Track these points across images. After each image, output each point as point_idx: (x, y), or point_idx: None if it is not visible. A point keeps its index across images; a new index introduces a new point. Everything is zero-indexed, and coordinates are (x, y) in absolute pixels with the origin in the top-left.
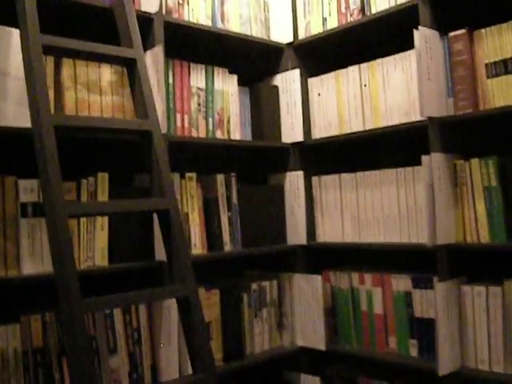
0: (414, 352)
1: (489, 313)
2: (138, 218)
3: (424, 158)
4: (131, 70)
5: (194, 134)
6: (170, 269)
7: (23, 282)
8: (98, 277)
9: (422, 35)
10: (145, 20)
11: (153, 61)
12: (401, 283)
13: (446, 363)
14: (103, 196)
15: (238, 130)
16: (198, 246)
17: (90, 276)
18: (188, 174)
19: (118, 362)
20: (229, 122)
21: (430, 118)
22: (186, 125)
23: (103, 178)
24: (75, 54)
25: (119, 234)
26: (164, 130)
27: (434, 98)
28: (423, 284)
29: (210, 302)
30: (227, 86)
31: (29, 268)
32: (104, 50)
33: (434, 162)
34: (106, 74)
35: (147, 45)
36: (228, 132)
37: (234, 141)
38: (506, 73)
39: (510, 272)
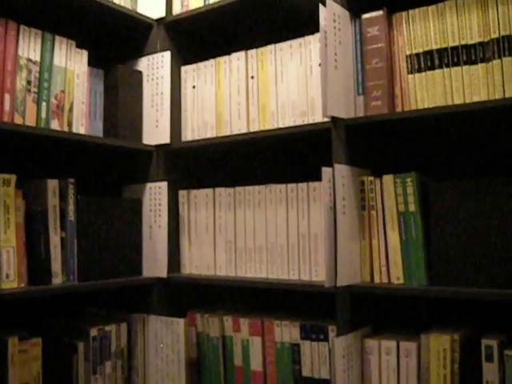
0: None
1: (400, 375)
2: None
3: (324, 171)
4: None
5: (18, 120)
6: None
7: None
8: None
9: (330, 12)
10: None
11: None
12: (286, 332)
13: None
14: None
15: (83, 123)
16: (11, 277)
17: None
18: (3, 176)
19: None
20: (71, 110)
21: (333, 120)
22: (7, 107)
23: None
24: None
25: None
26: None
27: (340, 94)
28: (315, 335)
29: (28, 357)
30: (73, 63)
31: None
32: None
33: (338, 176)
34: None
35: None
36: (69, 124)
37: (77, 136)
38: (432, 68)
39: (428, 323)
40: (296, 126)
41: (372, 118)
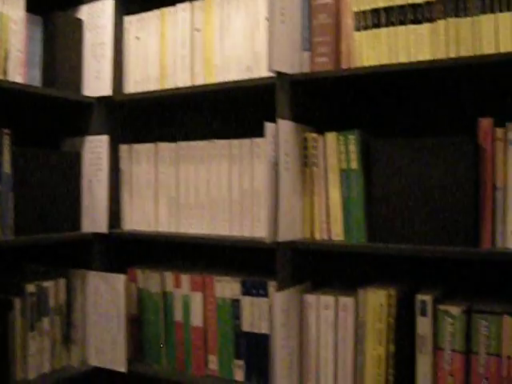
0: (239, 376)
1: (337, 329)
2: None
3: (268, 126)
4: None
5: None
6: None
7: None
8: None
9: None
10: None
11: None
12: (227, 288)
13: None
14: None
15: (20, 72)
16: None
17: None
18: None
19: None
20: (6, 58)
21: (279, 75)
22: None
23: None
24: None
25: None
26: None
27: (286, 49)
28: (256, 290)
29: None
30: (9, 8)
31: None
32: None
33: (281, 131)
34: None
35: None
36: (4, 72)
37: (14, 84)
38: (378, 25)
39: (368, 279)
40: (240, 81)
41: (317, 75)
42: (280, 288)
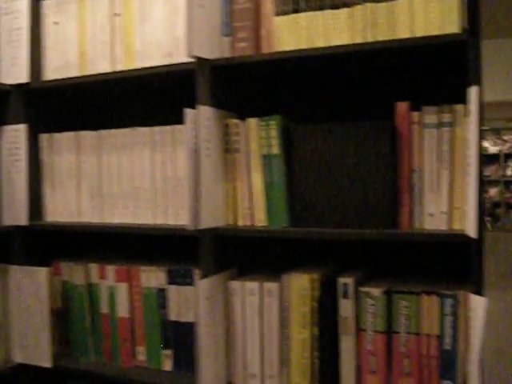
0: (167, 365)
1: (263, 315)
2: None
3: (188, 112)
4: None
5: None
6: None
7: None
8: None
9: None
10: None
11: None
12: (152, 278)
13: (208, 379)
14: None
15: None
16: None
17: None
18: None
19: None
20: None
21: (198, 60)
22: None
23: None
24: None
25: None
26: None
27: (205, 34)
28: (181, 279)
29: None
30: None
31: None
32: None
33: (202, 117)
34: None
35: None
36: None
37: None
38: (297, 11)
39: (293, 263)
40: (160, 66)
41: (237, 60)
42: (203, 276)
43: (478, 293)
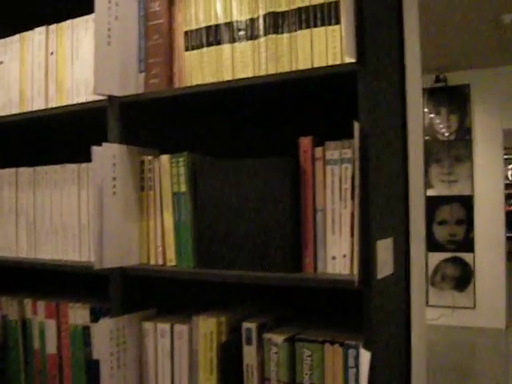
0: None
1: (173, 358)
2: None
3: (95, 150)
4: None
5: None
6: None
7: None
8: None
9: None
10: None
11: None
12: (79, 315)
13: None
14: None
15: None
16: None
17: None
18: None
19: None
20: None
21: (109, 97)
22: None
23: None
24: None
25: None
26: None
27: (115, 71)
28: (103, 316)
29: None
30: None
31: None
32: None
33: (109, 155)
34: None
35: None
36: None
37: None
38: (208, 44)
39: (200, 305)
40: (78, 104)
41: (145, 96)
42: (112, 315)
43: (367, 343)
